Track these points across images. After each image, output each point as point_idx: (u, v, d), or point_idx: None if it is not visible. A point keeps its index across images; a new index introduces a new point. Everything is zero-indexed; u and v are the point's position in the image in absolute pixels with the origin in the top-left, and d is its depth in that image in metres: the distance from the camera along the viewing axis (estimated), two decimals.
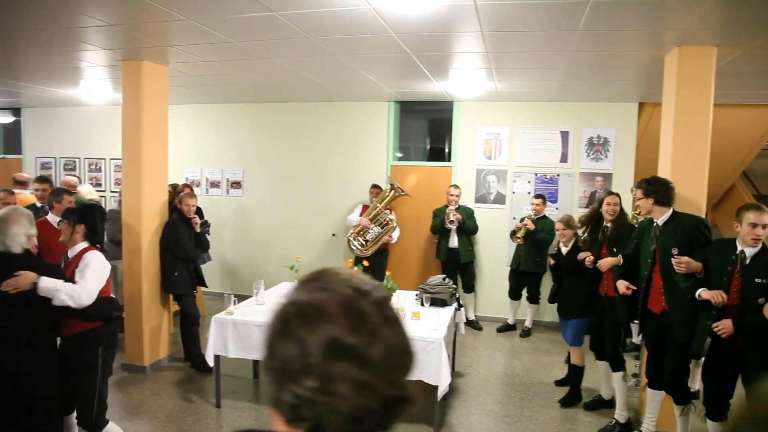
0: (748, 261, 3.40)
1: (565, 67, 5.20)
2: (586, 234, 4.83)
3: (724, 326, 3.37)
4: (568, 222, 4.92)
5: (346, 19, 3.93)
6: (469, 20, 3.88)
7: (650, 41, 4.28)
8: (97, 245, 3.55)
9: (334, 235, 7.94)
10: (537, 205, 6.66)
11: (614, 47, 4.49)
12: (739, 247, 3.44)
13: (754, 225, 3.35)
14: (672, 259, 3.66)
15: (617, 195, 4.66)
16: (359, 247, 6.95)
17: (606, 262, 4.38)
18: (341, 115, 7.87)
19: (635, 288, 4.12)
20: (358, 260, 6.30)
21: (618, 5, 3.50)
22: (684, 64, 4.31)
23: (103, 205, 7.34)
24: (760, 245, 3.40)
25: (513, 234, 6.71)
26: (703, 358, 3.84)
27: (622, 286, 4.18)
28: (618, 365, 4.50)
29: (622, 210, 4.66)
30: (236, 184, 8.39)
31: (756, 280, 3.33)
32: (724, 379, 3.55)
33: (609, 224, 4.60)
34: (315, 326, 0.78)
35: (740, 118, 7.19)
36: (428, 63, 5.28)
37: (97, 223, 3.55)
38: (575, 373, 4.94)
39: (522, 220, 6.69)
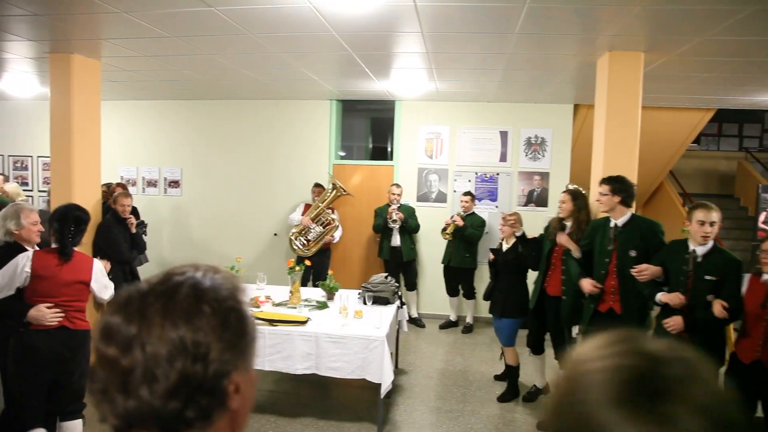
0: (699, 259, 3.50)
1: (503, 68, 5.33)
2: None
3: (674, 323, 3.48)
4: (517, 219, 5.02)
5: (286, 17, 3.89)
6: (409, 20, 3.92)
7: (583, 46, 4.44)
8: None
9: (275, 234, 7.85)
10: (465, 202, 6.81)
11: (549, 51, 4.64)
12: (691, 246, 3.54)
13: (702, 222, 3.45)
14: (632, 270, 3.68)
15: (569, 192, 4.61)
16: (301, 246, 6.90)
17: (564, 239, 4.34)
18: (283, 113, 7.78)
19: (602, 287, 4.02)
20: (300, 260, 6.25)
21: (552, 11, 3.61)
22: (614, 69, 4.49)
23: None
24: (710, 243, 3.50)
25: (443, 231, 6.83)
26: None
27: (588, 284, 4.04)
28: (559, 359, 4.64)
29: (582, 207, 4.54)
30: (174, 183, 8.16)
31: (706, 277, 3.44)
32: None
33: (567, 223, 4.53)
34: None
35: (667, 121, 7.56)
36: (370, 62, 5.29)
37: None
38: (510, 373, 5.01)
39: (452, 216, 6.82)
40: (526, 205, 7.29)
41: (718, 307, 3.32)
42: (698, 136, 11.01)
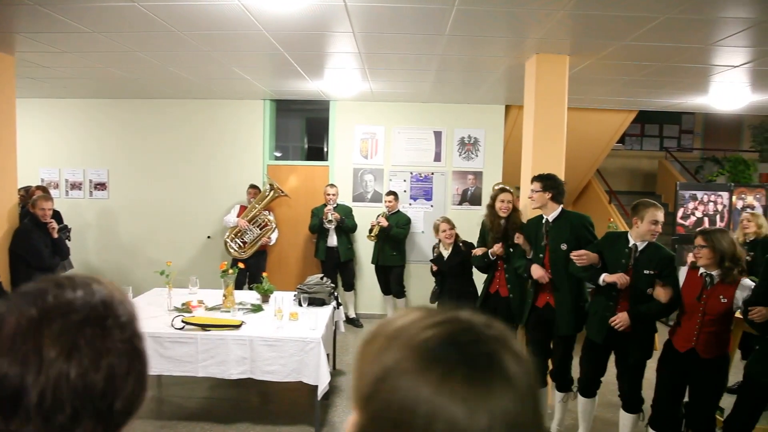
0: (638, 253, 3.63)
1: (436, 69, 5.39)
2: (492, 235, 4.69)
3: (621, 320, 3.58)
4: (452, 222, 5.08)
5: (214, 14, 3.79)
6: (340, 20, 3.90)
7: (512, 48, 4.55)
8: None
9: (209, 237, 7.65)
10: (389, 201, 6.88)
11: (480, 52, 4.73)
12: (631, 241, 3.66)
13: (656, 222, 3.56)
14: (572, 253, 3.76)
15: (510, 192, 4.65)
16: (236, 249, 6.76)
17: (521, 239, 4.38)
18: (215, 113, 7.59)
19: (551, 276, 4.09)
20: (234, 262, 6.12)
21: (480, 14, 3.68)
22: (541, 71, 4.63)
23: None
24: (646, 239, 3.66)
25: (369, 233, 6.87)
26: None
27: (537, 269, 4.08)
28: None
29: (515, 207, 4.65)
30: (100, 186, 7.80)
31: (645, 271, 3.58)
32: (601, 360, 3.88)
33: (503, 221, 4.56)
34: None
35: (593, 121, 7.87)
36: (302, 62, 5.24)
37: None
38: None
39: (377, 217, 6.85)
40: (460, 204, 7.42)
41: (662, 291, 3.47)
42: (622, 137, 11.52)
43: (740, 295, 3.34)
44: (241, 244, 6.81)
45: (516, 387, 0.59)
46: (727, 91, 6.03)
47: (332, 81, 6.12)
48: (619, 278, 3.57)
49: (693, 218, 8.19)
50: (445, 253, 5.04)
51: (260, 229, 6.84)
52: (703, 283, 3.42)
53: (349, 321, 7.18)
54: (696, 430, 3.54)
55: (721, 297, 3.36)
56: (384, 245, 6.88)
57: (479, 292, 4.96)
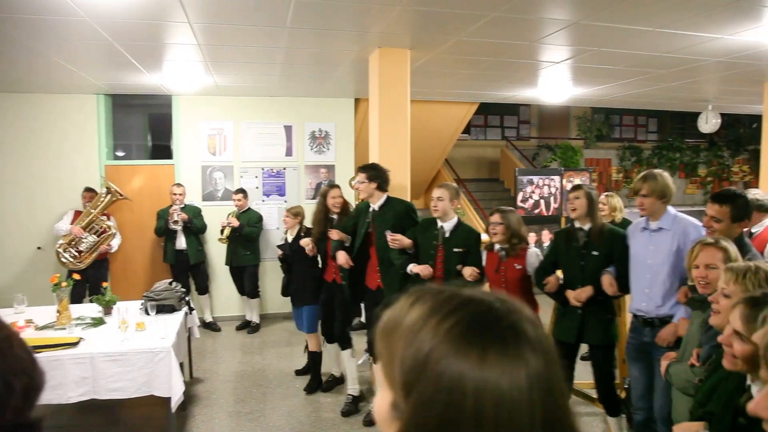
0: (447, 234, 3.92)
1: (281, 62, 5.30)
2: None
3: None
4: (295, 212, 5.09)
5: None
6: (173, 10, 3.68)
7: (355, 42, 4.60)
8: None
9: (39, 248, 6.87)
10: (238, 200, 6.71)
11: (324, 46, 4.72)
12: (439, 223, 3.95)
13: (432, 198, 3.95)
14: (387, 236, 3.99)
15: (338, 187, 4.84)
16: (72, 259, 6.16)
17: (334, 234, 4.52)
18: (39, 109, 6.79)
19: (352, 264, 4.38)
20: (69, 274, 5.57)
21: (320, 6, 3.67)
22: (384, 64, 4.73)
23: None
24: (455, 219, 3.97)
25: (221, 233, 6.68)
26: None
27: (342, 257, 4.35)
28: (345, 344, 4.76)
29: (345, 201, 4.84)
30: None
31: (454, 249, 3.87)
32: None
33: (335, 216, 4.72)
34: None
35: (439, 113, 8.24)
36: (136, 53, 4.88)
37: None
38: (314, 360, 5.11)
39: (227, 217, 6.68)
40: (314, 197, 7.39)
41: (469, 271, 3.78)
42: (468, 127, 12.21)
43: (532, 260, 3.80)
44: (77, 254, 6.22)
45: (541, 349, 0.67)
46: (552, 85, 6.60)
47: (172, 74, 5.78)
48: (423, 270, 3.87)
49: (531, 201, 8.89)
50: (290, 238, 5.06)
51: (98, 236, 6.30)
52: (499, 258, 3.83)
53: (206, 325, 6.90)
54: None
55: (515, 265, 3.79)
56: (237, 245, 6.68)
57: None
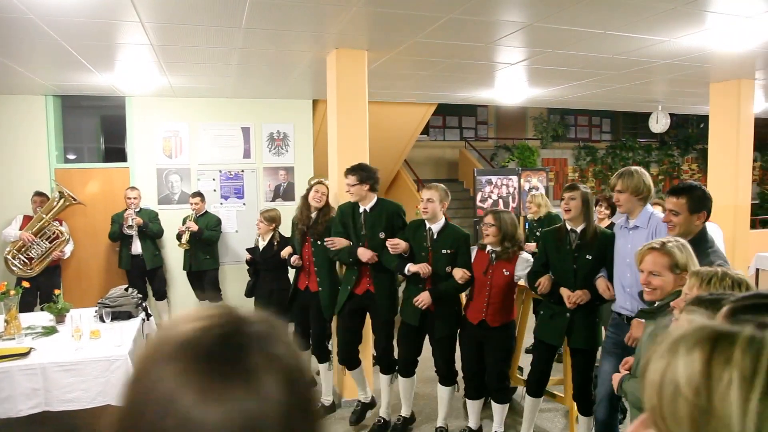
0: (435, 236, 3.90)
1: (237, 63, 5.23)
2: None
3: (423, 299, 3.83)
4: (269, 217, 4.98)
5: None
6: (124, 9, 3.59)
7: (312, 43, 4.57)
8: None
9: None
10: (196, 203, 6.52)
11: (280, 46, 4.68)
12: (427, 225, 3.93)
13: (422, 200, 3.92)
14: (387, 242, 3.94)
15: (326, 185, 4.62)
16: (21, 266, 5.94)
17: (289, 254, 4.52)
18: None
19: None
20: (18, 281, 5.37)
21: (275, 6, 3.63)
22: (341, 65, 4.72)
23: None
24: (442, 220, 3.96)
25: (178, 241, 6.50)
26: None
27: (366, 253, 4.06)
28: (323, 357, 4.67)
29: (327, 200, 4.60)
30: None
31: (443, 251, 3.86)
32: (417, 341, 4.13)
33: (314, 214, 4.51)
34: None
35: (397, 114, 8.27)
36: (86, 53, 4.74)
37: None
38: None
39: (183, 222, 6.50)
40: (273, 200, 7.32)
41: (460, 273, 3.77)
42: (426, 128, 12.30)
43: (520, 267, 3.77)
44: (27, 261, 6.00)
45: (259, 388, 0.58)
46: (509, 86, 6.71)
47: (125, 75, 5.64)
48: (422, 268, 3.85)
49: (490, 201, 9.02)
50: (261, 244, 4.97)
51: (50, 242, 6.09)
52: (489, 260, 3.80)
53: None
54: (492, 386, 3.93)
55: (504, 270, 3.77)
56: (196, 250, 6.55)
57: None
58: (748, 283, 1.98)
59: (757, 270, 7.89)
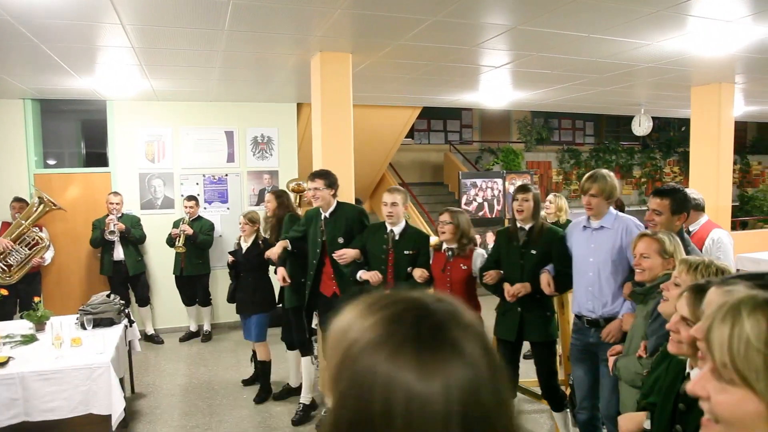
0: (397, 237, 3.93)
1: (220, 66, 5.19)
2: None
3: None
4: (252, 218, 4.99)
5: None
6: (104, 11, 3.54)
7: (296, 46, 4.54)
8: None
9: None
10: (190, 207, 6.51)
11: (264, 50, 4.65)
12: (388, 227, 3.96)
13: (385, 204, 3.93)
14: (334, 254, 3.97)
15: (272, 193, 4.84)
16: (0, 273, 5.84)
17: (271, 253, 4.44)
18: None
19: (291, 281, 4.44)
20: None
21: (258, 9, 3.60)
22: (325, 69, 4.71)
23: None
24: (403, 222, 3.98)
25: (172, 244, 6.47)
26: None
27: (281, 274, 4.43)
28: (306, 350, 4.68)
29: (285, 205, 4.80)
30: None
31: (404, 252, 3.90)
32: None
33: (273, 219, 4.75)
34: None
35: (382, 118, 8.26)
36: (66, 56, 4.67)
37: None
38: (264, 369, 5.00)
39: (177, 225, 6.47)
40: (258, 204, 7.26)
41: (419, 272, 3.82)
42: (411, 132, 12.30)
43: (478, 261, 3.84)
44: (5, 268, 5.89)
45: (466, 355, 0.64)
46: (493, 89, 6.73)
47: (106, 78, 5.56)
48: (371, 276, 3.90)
49: (475, 204, 9.02)
50: (244, 246, 4.96)
51: (29, 249, 5.99)
52: (446, 257, 3.86)
53: (148, 338, 6.68)
54: None
55: (462, 265, 3.82)
56: (190, 254, 6.49)
57: (274, 290, 5.08)
58: (730, 271, 2.16)
59: (738, 270, 7.98)
